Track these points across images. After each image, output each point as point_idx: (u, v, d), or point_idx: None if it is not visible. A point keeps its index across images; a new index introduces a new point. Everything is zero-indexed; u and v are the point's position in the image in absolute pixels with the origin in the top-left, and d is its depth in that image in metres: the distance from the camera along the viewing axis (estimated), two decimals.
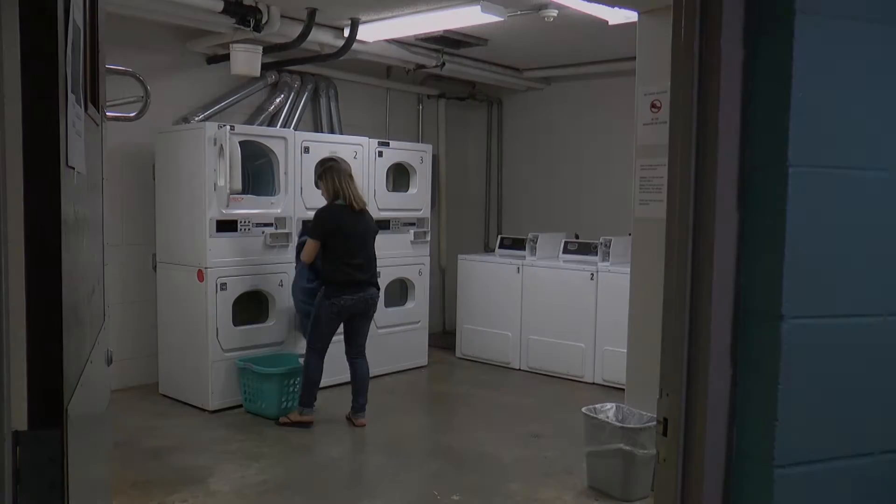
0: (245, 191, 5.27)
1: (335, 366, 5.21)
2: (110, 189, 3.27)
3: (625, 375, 4.21)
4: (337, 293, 4.77)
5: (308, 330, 4.91)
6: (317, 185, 4.98)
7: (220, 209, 5.07)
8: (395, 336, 6.34)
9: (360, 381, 4.99)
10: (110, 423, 2.32)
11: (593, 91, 7.17)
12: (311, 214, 5.61)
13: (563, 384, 6.15)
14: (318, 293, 4.84)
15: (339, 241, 4.77)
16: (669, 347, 1.64)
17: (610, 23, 4.95)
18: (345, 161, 5.09)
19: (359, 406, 4.99)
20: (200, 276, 5.09)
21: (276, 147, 5.42)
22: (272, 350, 5.38)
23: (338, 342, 5.01)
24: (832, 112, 1.52)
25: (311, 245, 4.77)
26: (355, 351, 5.01)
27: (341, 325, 4.95)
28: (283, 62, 5.90)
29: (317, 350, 4.85)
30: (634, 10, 4.05)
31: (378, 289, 5.02)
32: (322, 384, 5.12)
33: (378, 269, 6.06)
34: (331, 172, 4.83)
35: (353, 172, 5.86)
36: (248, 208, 5.22)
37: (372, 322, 6.07)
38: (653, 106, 3.88)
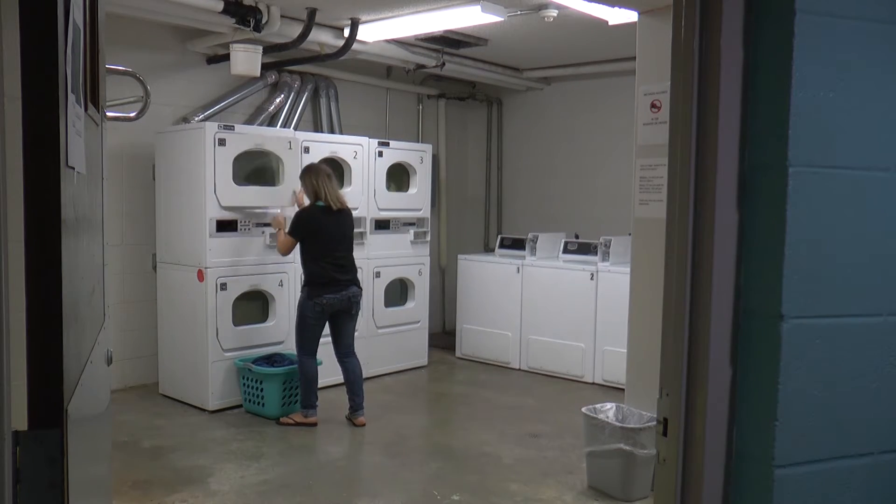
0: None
1: (335, 365, 5.21)
2: (110, 189, 3.27)
3: (625, 375, 4.21)
4: (319, 292, 4.82)
5: (296, 333, 4.95)
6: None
7: (219, 209, 5.07)
8: (395, 336, 6.34)
9: (353, 380, 5.01)
10: (110, 423, 2.32)
11: (593, 91, 7.17)
12: None
13: (563, 384, 6.15)
14: (301, 294, 4.90)
15: (320, 241, 4.84)
16: (669, 347, 1.64)
17: (610, 23, 4.95)
18: (324, 164, 5.10)
19: (356, 405, 5.00)
20: (200, 276, 5.09)
21: (276, 147, 5.41)
22: (272, 350, 5.38)
23: (327, 344, 5.02)
24: (832, 112, 1.52)
25: (289, 240, 4.86)
26: (344, 351, 5.04)
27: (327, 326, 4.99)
28: (283, 62, 5.90)
29: (308, 351, 4.90)
30: (634, 10, 4.05)
31: (360, 288, 5.05)
32: (321, 384, 5.14)
33: (378, 270, 6.12)
34: (309, 174, 4.90)
35: (353, 173, 5.92)
36: (250, 202, 5.22)
37: (372, 322, 6.10)
38: (653, 106, 3.88)
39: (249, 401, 5.14)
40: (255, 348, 5.31)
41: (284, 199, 5.38)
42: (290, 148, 5.41)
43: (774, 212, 1.51)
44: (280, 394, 5.02)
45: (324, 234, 4.85)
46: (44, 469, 1.06)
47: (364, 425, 4.95)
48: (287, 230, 4.91)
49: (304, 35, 5.23)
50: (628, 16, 4.49)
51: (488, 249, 7.80)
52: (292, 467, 4.22)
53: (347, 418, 5.02)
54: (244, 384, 5.16)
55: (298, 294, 5.45)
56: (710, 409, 1.57)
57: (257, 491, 3.86)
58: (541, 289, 6.40)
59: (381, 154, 6.14)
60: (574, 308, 6.17)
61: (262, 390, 5.04)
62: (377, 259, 6.13)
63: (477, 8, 4.76)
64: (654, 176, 3.85)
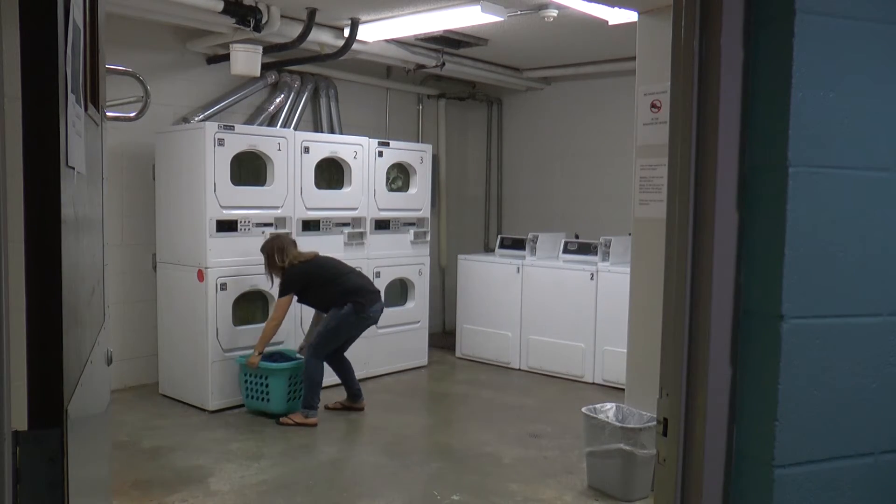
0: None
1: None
2: (110, 189, 3.27)
3: (625, 375, 4.21)
4: (366, 307, 4.98)
5: (319, 338, 4.97)
6: (267, 269, 5.02)
7: (219, 209, 5.07)
8: (395, 336, 6.34)
9: (350, 371, 5.22)
10: (110, 423, 2.32)
11: (593, 91, 7.17)
12: (311, 214, 5.63)
13: (563, 384, 6.15)
14: (346, 308, 4.93)
15: (328, 270, 5.02)
16: (669, 347, 1.64)
17: (610, 23, 4.95)
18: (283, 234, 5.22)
19: (358, 391, 5.22)
20: (200, 276, 5.09)
21: (275, 147, 5.41)
22: (273, 349, 5.37)
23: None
24: (832, 112, 1.52)
25: (283, 302, 4.91)
26: (342, 354, 5.20)
27: None
28: (283, 62, 5.90)
29: (322, 356, 4.98)
30: (634, 10, 4.05)
31: None
32: (327, 383, 5.18)
33: (378, 270, 6.13)
34: (273, 243, 4.95)
35: (353, 173, 5.93)
36: (247, 203, 5.23)
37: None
38: (653, 106, 3.88)
39: (252, 398, 5.12)
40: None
41: (279, 199, 5.41)
42: (280, 149, 5.40)
43: (774, 212, 1.51)
44: (286, 390, 5.01)
45: (325, 266, 5.04)
46: (44, 469, 1.06)
47: (364, 407, 5.21)
48: (279, 293, 4.94)
49: (304, 35, 5.23)
50: (628, 16, 4.49)
51: (488, 249, 7.80)
52: (292, 467, 4.22)
53: (346, 406, 5.18)
54: (246, 381, 5.14)
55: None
56: (710, 409, 1.57)
57: (257, 491, 3.86)
58: (541, 289, 6.39)
59: (381, 154, 6.14)
60: (574, 308, 6.17)
61: (266, 386, 5.02)
62: (377, 259, 6.13)
63: (477, 8, 4.76)
64: (654, 176, 3.85)
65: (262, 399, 5.05)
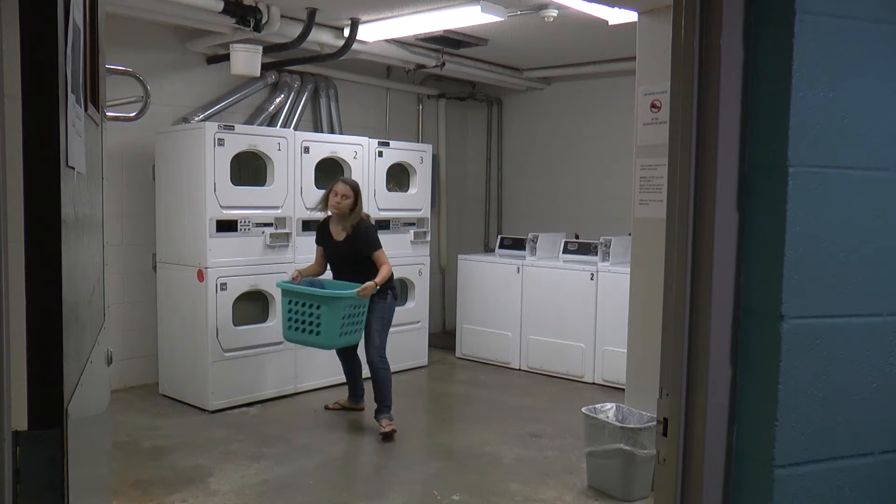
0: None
1: (339, 365, 5.24)
2: (110, 189, 3.27)
3: (625, 375, 4.21)
4: (396, 294, 5.02)
5: (380, 337, 4.86)
6: (340, 207, 4.82)
7: (219, 209, 5.07)
8: (395, 336, 6.28)
9: (359, 370, 5.23)
10: (110, 423, 2.32)
11: (593, 91, 7.17)
12: (315, 216, 5.60)
13: (563, 384, 6.15)
14: (388, 298, 4.86)
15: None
16: (669, 347, 1.64)
17: (610, 23, 4.95)
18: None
19: (361, 392, 5.25)
20: (200, 276, 5.08)
21: (275, 147, 5.41)
22: (275, 348, 5.34)
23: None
24: (832, 112, 1.52)
25: (383, 252, 4.81)
26: (355, 351, 5.17)
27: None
28: (283, 62, 5.90)
29: (384, 352, 4.87)
30: (634, 10, 4.05)
31: None
32: (327, 383, 5.29)
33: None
34: (359, 191, 4.87)
35: (353, 172, 5.93)
36: (247, 203, 5.23)
37: None
38: (653, 106, 3.88)
39: (348, 332, 4.64)
40: (255, 348, 5.31)
41: (278, 199, 5.40)
42: (280, 149, 5.39)
43: (774, 212, 1.51)
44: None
45: None
46: (44, 469, 1.06)
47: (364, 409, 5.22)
48: (375, 247, 4.78)
49: (304, 35, 5.23)
50: (628, 16, 4.49)
51: (488, 249, 7.80)
52: (292, 467, 4.22)
53: (346, 407, 5.21)
54: (345, 318, 4.59)
55: None
56: (710, 409, 1.57)
57: (257, 491, 3.86)
58: (541, 289, 6.39)
59: (381, 154, 6.14)
60: (574, 308, 6.17)
61: (364, 320, 4.72)
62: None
63: (477, 8, 4.76)
64: (654, 176, 3.85)
65: (349, 332, 4.70)
